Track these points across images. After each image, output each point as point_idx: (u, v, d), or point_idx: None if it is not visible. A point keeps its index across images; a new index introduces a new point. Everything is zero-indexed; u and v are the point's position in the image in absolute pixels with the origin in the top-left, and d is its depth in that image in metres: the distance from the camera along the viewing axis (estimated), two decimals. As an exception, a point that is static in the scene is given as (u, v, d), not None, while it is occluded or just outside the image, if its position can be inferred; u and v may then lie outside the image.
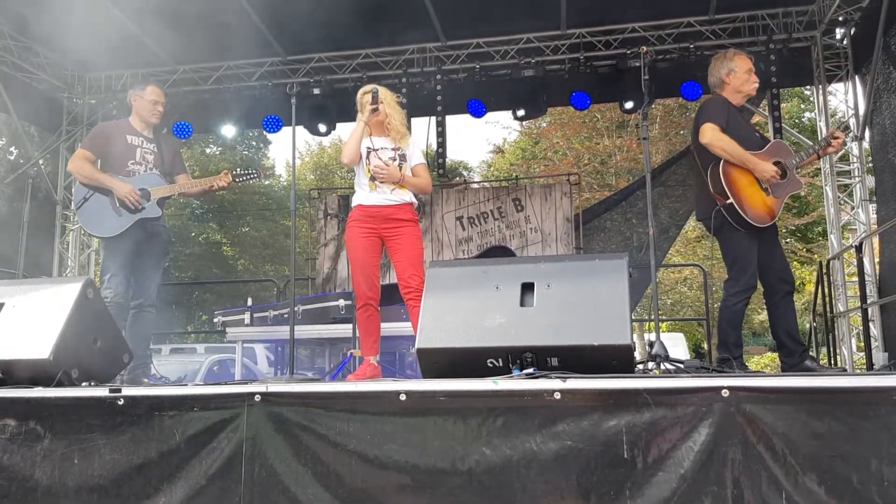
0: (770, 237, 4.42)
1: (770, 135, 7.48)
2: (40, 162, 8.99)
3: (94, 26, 7.07)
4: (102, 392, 2.85)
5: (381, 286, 4.37)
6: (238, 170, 4.94)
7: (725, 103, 4.45)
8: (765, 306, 4.60)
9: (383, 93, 4.38)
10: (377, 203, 4.29)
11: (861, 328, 7.04)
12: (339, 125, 8.76)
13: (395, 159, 4.34)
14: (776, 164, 4.30)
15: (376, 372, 4.24)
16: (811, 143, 4.56)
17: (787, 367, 4.35)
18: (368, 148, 4.33)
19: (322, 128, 8.53)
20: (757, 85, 4.55)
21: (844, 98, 7.63)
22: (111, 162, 4.80)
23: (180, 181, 4.93)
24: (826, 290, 7.35)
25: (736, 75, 4.45)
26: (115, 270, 4.70)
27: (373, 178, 4.30)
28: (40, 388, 2.98)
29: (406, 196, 4.34)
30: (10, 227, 7.68)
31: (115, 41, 7.39)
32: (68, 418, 2.82)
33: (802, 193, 17.64)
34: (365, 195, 4.33)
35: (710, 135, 4.23)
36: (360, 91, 4.42)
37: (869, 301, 6.83)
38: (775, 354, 17.57)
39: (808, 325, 8.36)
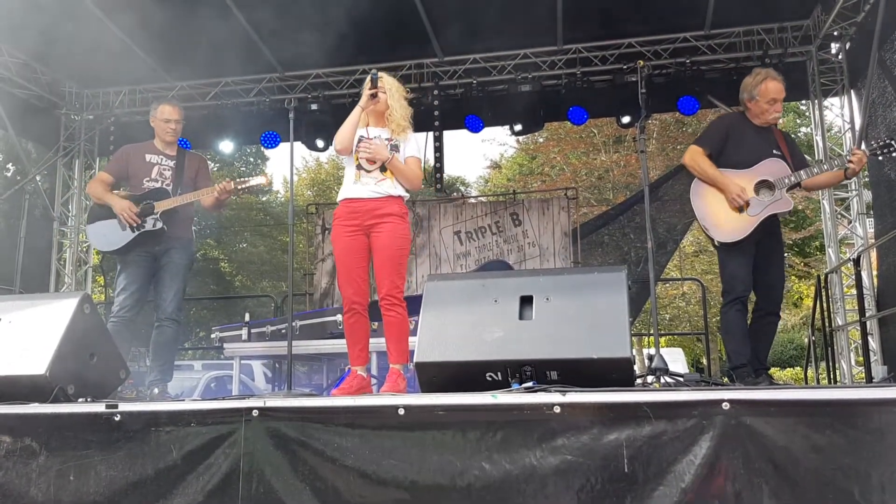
0: (768, 252, 4.43)
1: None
2: (37, 178, 8.98)
3: (91, 43, 7.10)
4: (99, 408, 2.83)
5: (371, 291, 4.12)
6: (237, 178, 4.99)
7: (729, 125, 4.54)
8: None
9: (389, 83, 4.16)
10: (361, 196, 4.03)
11: (860, 342, 7.03)
12: (336, 141, 8.74)
13: (386, 146, 4.09)
14: (762, 182, 4.33)
15: (364, 383, 3.95)
16: (820, 160, 4.58)
17: None
18: (361, 136, 4.12)
19: (320, 143, 8.51)
20: (778, 115, 4.53)
21: (840, 112, 7.65)
22: (131, 181, 4.98)
23: (188, 194, 4.92)
24: (824, 304, 7.35)
25: (757, 103, 4.48)
26: (124, 285, 4.80)
27: (359, 167, 4.06)
28: (36, 404, 2.96)
29: (392, 189, 4.06)
30: (7, 243, 7.66)
31: (112, 58, 7.43)
32: (64, 434, 2.80)
33: (800, 207, 17.67)
34: (349, 187, 4.09)
35: (688, 156, 4.49)
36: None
37: (867, 314, 6.84)
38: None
39: (806, 340, 8.34)
